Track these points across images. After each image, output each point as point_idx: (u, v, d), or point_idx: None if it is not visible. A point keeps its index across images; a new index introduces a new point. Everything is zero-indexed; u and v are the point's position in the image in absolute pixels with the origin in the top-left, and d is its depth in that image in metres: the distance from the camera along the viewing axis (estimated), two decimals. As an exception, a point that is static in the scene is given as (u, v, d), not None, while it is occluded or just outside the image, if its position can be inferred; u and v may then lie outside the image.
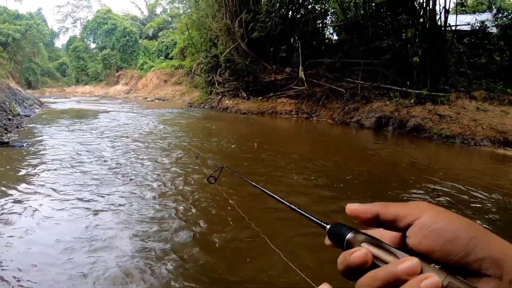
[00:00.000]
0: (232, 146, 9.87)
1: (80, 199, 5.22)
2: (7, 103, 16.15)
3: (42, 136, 11.64)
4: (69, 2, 67.38)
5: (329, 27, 22.59)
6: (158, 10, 66.03)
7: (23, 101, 21.14)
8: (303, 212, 0.72)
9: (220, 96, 24.00)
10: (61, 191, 5.61)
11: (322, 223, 0.64)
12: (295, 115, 17.48)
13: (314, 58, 18.91)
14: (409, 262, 0.46)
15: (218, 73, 24.98)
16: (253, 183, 1.04)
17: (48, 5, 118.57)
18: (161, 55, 49.27)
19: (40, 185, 5.98)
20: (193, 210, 4.87)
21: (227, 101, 22.67)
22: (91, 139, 10.89)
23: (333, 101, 16.60)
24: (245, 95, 21.41)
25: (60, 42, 78.42)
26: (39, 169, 6.99)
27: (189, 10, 35.30)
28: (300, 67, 18.16)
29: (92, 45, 63.11)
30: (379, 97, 15.30)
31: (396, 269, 0.46)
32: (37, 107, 23.11)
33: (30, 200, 5.21)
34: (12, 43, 46.35)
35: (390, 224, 0.55)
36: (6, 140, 9.63)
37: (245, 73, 21.26)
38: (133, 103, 31.35)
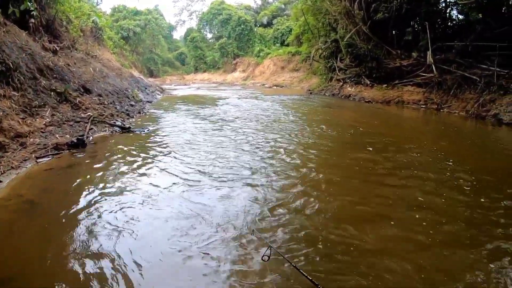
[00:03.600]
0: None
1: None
2: (129, 90, 16.97)
3: (162, 122, 11.61)
4: (184, -4, 72.05)
5: (453, 6, 20.13)
6: (270, -2, 66.85)
7: (145, 88, 22.52)
8: None
9: (341, 83, 23.27)
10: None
11: None
12: (424, 106, 16.11)
13: (442, 42, 17.00)
14: None
15: (338, 59, 24.21)
16: (298, 269, 1.15)
17: (164, 1, 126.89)
18: (277, 42, 49.62)
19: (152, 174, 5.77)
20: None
21: (349, 88, 21.94)
22: (214, 129, 10.16)
23: (466, 90, 14.88)
24: (368, 82, 20.45)
25: (178, 34, 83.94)
26: (156, 159, 6.68)
27: (302, -4, 34.91)
28: (429, 52, 16.68)
29: (209, 35, 66.59)
30: (520, 86, 13.19)
31: None
32: (159, 93, 24.65)
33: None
34: (133, 37, 51.20)
35: None
36: (127, 126, 9.87)
37: (368, 58, 20.30)
38: (252, 90, 31.93)
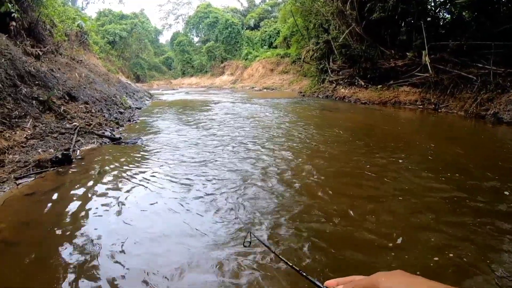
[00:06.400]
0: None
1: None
2: (118, 96, 16.16)
3: (155, 131, 10.48)
4: (170, 0, 71.94)
5: (442, 5, 19.47)
6: (257, 0, 66.85)
7: (134, 94, 21.80)
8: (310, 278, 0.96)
9: (334, 85, 22.88)
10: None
11: (323, 287, 0.88)
12: (421, 106, 15.75)
13: (435, 41, 16.58)
14: None
15: (331, 60, 23.80)
16: (274, 252, 1.26)
17: (149, 6, 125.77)
18: (264, 45, 49.51)
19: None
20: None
21: (342, 90, 21.57)
22: (211, 139, 8.95)
23: (463, 89, 14.47)
24: (362, 83, 20.03)
25: (164, 38, 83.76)
26: (153, 179, 5.52)
27: (290, -2, 34.66)
28: (424, 51, 16.20)
29: (195, 39, 66.48)
30: (517, 85, 12.93)
31: None
32: (147, 99, 23.89)
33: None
34: (119, 41, 50.71)
35: None
36: (117, 136, 8.91)
37: (362, 59, 19.88)
38: (242, 93, 31.31)
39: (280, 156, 7.03)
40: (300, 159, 6.77)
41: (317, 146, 7.90)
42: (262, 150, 7.57)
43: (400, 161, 6.37)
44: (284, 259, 1.14)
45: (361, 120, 13.05)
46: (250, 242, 1.50)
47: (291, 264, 1.10)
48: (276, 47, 44.67)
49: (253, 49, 50.63)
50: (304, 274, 0.98)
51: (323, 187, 5.04)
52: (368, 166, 6.08)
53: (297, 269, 1.03)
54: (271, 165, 6.31)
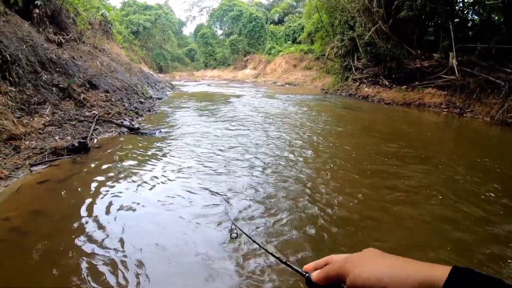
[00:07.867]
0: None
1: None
2: (139, 86, 16.14)
3: (175, 123, 10.42)
4: (194, -8, 72.09)
5: (470, 7, 17.90)
6: (282, -5, 66.05)
7: (155, 84, 21.84)
8: (289, 264, 0.96)
9: (357, 83, 22.55)
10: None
11: (303, 272, 0.86)
12: (445, 109, 15.28)
13: (463, 43, 16.02)
14: None
15: (355, 58, 23.41)
16: (262, 246, 1.22)
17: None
18: (288, 40, 48.99)
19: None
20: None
21: (366, 89, 21.23)
22: (232, 133, 8.75)
23: (489, 94, 14.06)
24: (386, 83, 19.60)
25: (187, 30, 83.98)
26: (172, 173, 5.47)
27: (316, -7, 34.20)
28: (452, 53, 15.75)
29: (219, 32, 66.57)
30: (547, 93, 12.35)
31: None
32: (169, 89, 23.93)
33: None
34: (143, 32, 51.27)
35: (340, 280, 0.75)
36: (136, 126, 8.87)
37: (388, 58, 19.36)
38: (264, 88, 30.96)
39: (328, 177, 5.66)
40: (360, 183, 5.44)
41: (370, 161, 6.61)
42: (303, 165, 6.34)
43: (491, 195, 5.08)
44: (265, 249, 1.19)
45: (394, 124, 12.49)
46: (237, 234, 1.60)
47: (270, 252, 1.14)
48: (300, 43, 44.12)
49: (277, 44, 50.15)
50: (284, 260, 1.01)
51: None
52: (446, 190, 5.15)
53: (277, 256, 1.07)
54: (318, 193, 4.95)
